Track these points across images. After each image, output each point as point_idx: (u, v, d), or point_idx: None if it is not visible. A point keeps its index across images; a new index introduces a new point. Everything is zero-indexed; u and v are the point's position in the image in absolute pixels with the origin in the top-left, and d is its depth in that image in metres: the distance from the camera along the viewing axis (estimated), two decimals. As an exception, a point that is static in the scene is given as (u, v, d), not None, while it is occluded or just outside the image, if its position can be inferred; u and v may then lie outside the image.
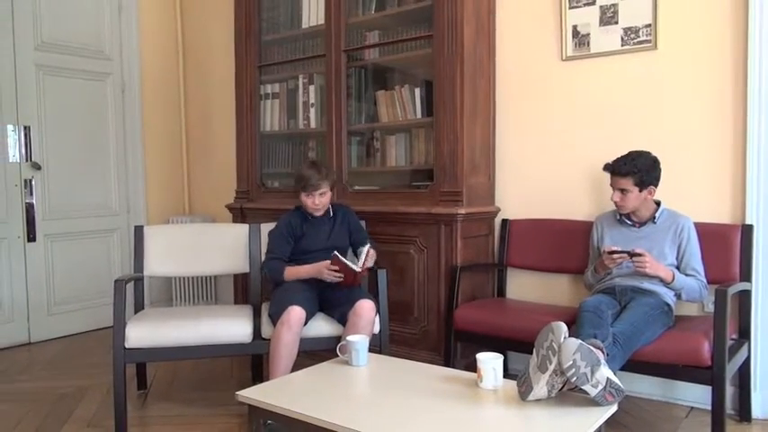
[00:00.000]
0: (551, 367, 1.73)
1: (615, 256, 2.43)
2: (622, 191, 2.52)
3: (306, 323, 2.55)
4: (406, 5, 3.23)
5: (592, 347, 1.77)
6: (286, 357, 2.49)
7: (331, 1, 3.36)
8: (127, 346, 2.50)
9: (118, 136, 4.36)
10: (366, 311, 2.56)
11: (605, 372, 1.74)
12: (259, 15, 3.78)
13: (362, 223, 3.01)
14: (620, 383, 1.75)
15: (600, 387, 1.72)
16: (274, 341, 2.50)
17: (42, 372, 3.36)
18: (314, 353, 2.61)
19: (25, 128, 3.86)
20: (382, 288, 2.73)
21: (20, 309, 3.86)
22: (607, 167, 2.57)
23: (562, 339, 1.74)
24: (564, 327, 1.78)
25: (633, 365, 2.27)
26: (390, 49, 3.34)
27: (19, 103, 3.83)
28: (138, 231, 2.95)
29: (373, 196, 3.32)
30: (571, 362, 1.70)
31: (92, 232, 4.22)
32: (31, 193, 3.90)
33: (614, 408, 1.76)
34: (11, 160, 3.80)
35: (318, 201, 2.78)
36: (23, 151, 3.86)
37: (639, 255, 2.38)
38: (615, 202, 2.56)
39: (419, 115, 3.23)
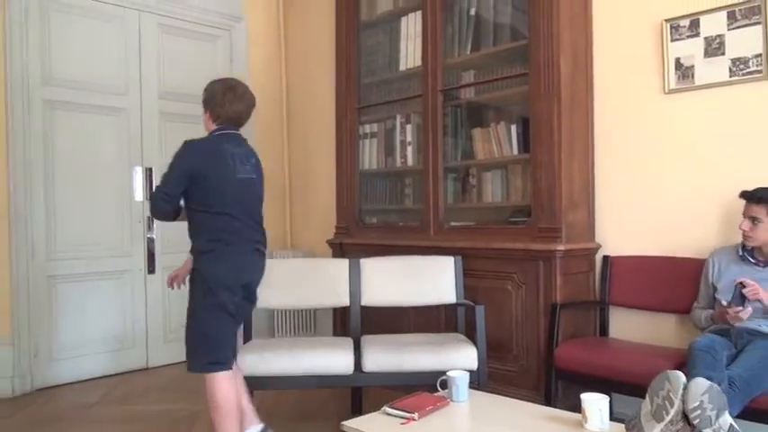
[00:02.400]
0: (668, 418, 1.69)
1: (742, 313, 2.26)
2: (753, 219, 2.38)
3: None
4: (501, 45, 3.29)
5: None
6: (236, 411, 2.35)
7: (428, 44, 3.49)
8: (238, 373, 2.66)
9: (227, 175, 4.67)
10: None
11: (728, 417, 1.67)
12: (359, 61, 3.98)
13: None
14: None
15: None
16: (219, 399, 2.29)
17: (159, 395, 3.62)
18: (413, 387, 2.64)
19: (148, 169, 4.23)
20: (480, 324, 2.74)
21: (140, 336, 4.19)
22: (744, 194, 2.45)
23: (681, 390, 1.70)
24: (682, 377, 1.73)
25: (752, 413, 2.14)
26: (486, 88, 3.41)
27: (144, 147, 4.22)
28: (247, 265, 3.13)
29: (470, 232, 3.35)
30: (698, 403, 1.65)
31: (203, 265, 4.51)
32: (150, 229, 4.26)
33: (733, 457, 1.67)
34: (136, 199, 4.18)
35: None
36: (146, 191, 4.23)
37: (748, 284, 2.24)
38: (743, 232, 2.42)
39: (515, 152, 3.26)
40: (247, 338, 3.05)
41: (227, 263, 2.33)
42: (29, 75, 3.71)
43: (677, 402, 1.68)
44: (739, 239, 2.50)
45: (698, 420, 1.65)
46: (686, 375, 1.95)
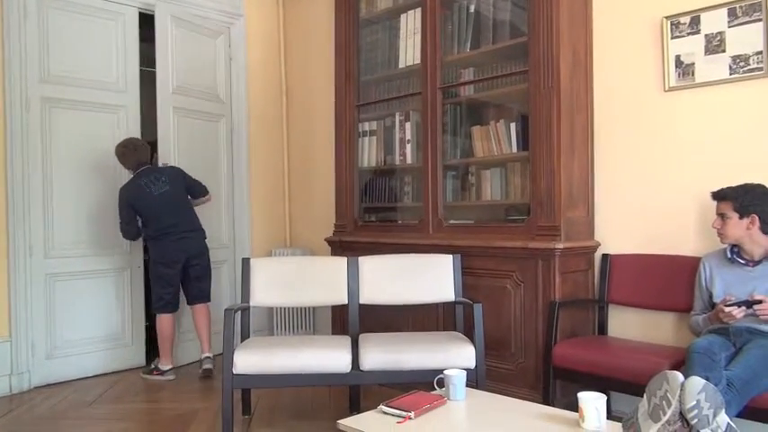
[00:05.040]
0: (665, 418, 1.68)
1: (735, 312, 2.27)
2: (722, 216, 2.43)
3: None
4: (501, 42, 3.28)
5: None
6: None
7: (427, 41, 3.48)
8: (234, 372, 2.66)
9: (227, 172, 4.66)
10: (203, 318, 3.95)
11: (725, 417, 1.67)
12: (358, 58, 3.96)
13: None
14: (738, 431, 1.67)
15: None
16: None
17: (157, 393, 3.61)
18: (412, 385, 2.63)
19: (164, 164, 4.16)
20: (478, 322, 2.73)
21: (138, 333, 4.19)
22: (712, 193, 2.51)
23: (678, 390, 1.69)
24: (680, 377, 1.72)
25: (752, 413, 2.13)
26: (485, 86, 3.39)
27: (159, 142, 4.14)
28: (246, 264, 3.13)
29: (469, 230, 3.34)
30: (695, 402, 1.64)
31: (203, 263, 4.50)
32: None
33: (731, 456, 1.66)
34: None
35: None
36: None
37: (759, 302, 2.23)
38: (716, 230, 2.47)
39: (515, 149, 3.24)
40: (245, 336, 3.05)
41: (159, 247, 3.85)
42: (27, 72, 3.70)
43: (675, 403, 1.67)
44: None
45: (695, 420, 1.64)
46: (684, 376, 1.95)
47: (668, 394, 1.70)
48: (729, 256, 2.49)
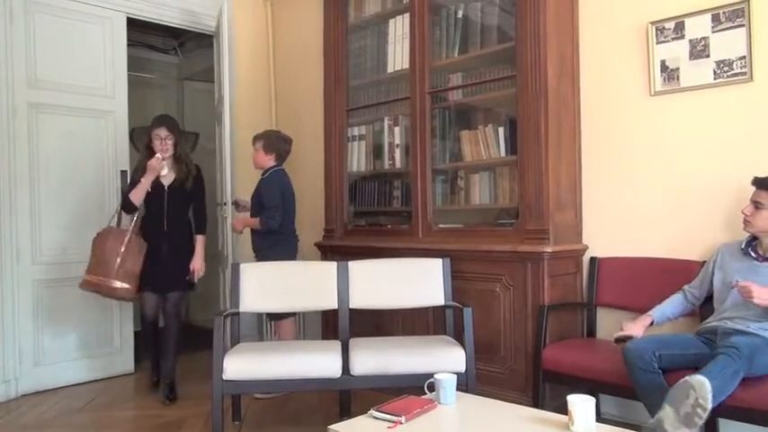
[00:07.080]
0: (700, 422, 1.77)
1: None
2: (756, 205, 2.38)
3: None
4: (488, 47, 3.30)
5: None
6: None
7: (415, 46, 3.49)
8: (224, 377, 2.65)
9: (219, 177, 4.64)
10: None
11: None
12: (347, 63, 3.97)
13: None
14: None
15: None
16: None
17: (146, 400, 3.58)
18: (402, 389, 2.63)
19: (135, 172, 4.17)
20: (468, 326, 2.74)
21: (127, 340, 4.16)
22: (754, 179, 2.43)
23: (710, 395, 1.79)
24: (706, 381, 1.82)
25: (738, 412, 2.15)
26: (474, 90, 3.42)
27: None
28: (235, 268, 3.12)
29: (458, 234, 3.36)
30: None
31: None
32: (139, 233, 4.22)
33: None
34: (123, 202, 4.15)
35: None
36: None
37: (743, 286, 2.25)
38: (744, 216, 2.42)
39: (503, 154, 3.26)
40: (235, 342, 3.04)
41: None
42: (13, 77, 3.68)
43: (708, 406, 1.72)
44: (744, 235, 2.51)
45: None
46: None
47: (700, 401, 1.75)
48: (743, 247, 2.48)
